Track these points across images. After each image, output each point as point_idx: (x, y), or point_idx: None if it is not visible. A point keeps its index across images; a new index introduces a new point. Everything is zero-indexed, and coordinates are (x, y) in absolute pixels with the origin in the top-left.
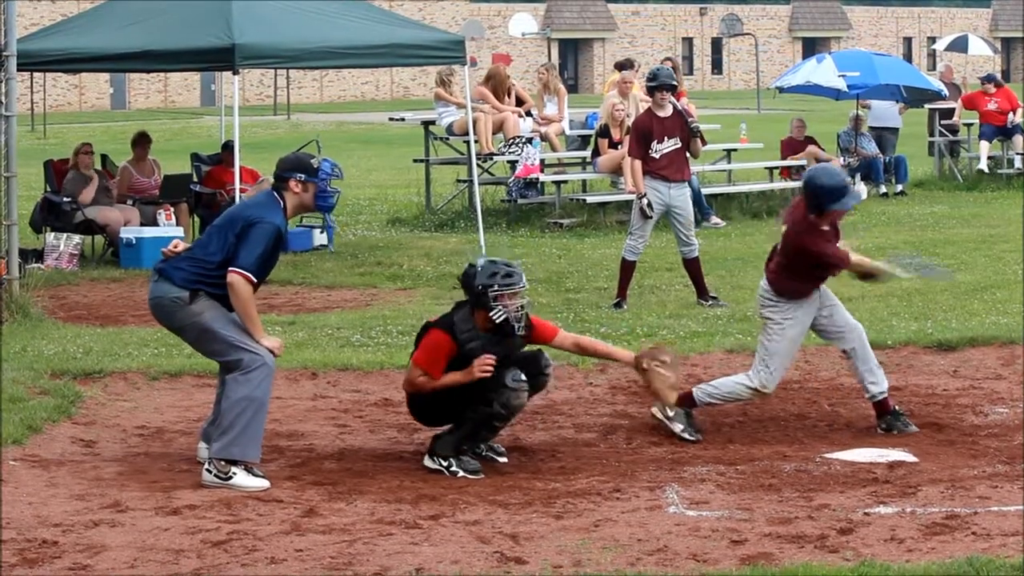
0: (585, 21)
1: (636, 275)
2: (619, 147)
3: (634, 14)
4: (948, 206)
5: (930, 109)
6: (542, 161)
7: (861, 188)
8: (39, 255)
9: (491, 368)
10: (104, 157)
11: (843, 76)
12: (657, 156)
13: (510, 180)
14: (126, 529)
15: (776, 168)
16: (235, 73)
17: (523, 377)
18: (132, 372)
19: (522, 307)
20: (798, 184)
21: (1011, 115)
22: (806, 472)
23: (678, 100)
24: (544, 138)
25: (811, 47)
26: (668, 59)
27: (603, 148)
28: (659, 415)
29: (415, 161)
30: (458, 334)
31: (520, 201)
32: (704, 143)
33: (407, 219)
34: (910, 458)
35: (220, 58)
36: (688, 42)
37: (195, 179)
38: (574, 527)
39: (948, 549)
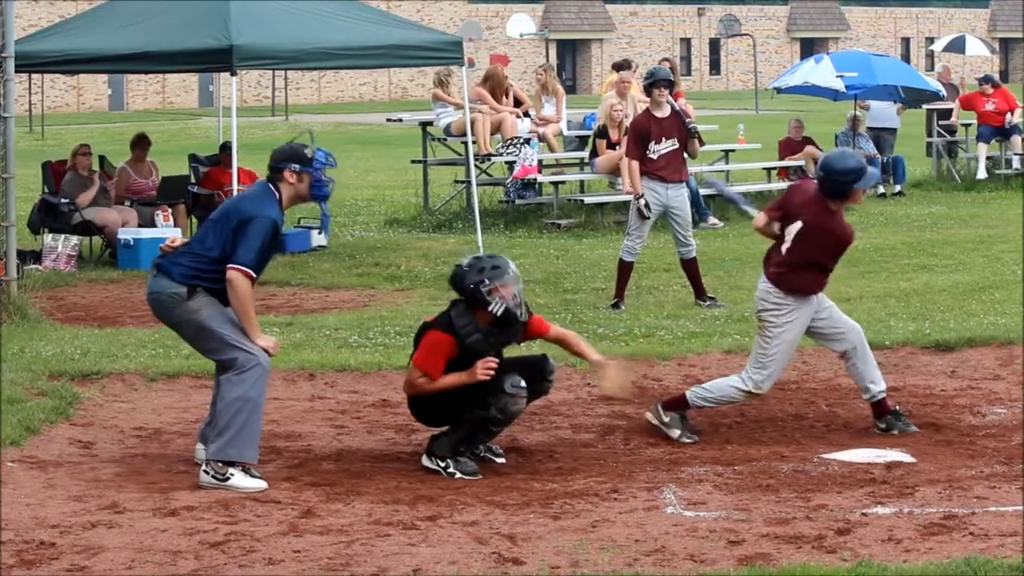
0: (583, 22)
1: (634, 276)
2: (617, 148)
3: (632, 15)
4: (946, 206)
5: (928, 109)
6: (540, 162)
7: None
8: (37, 256)
9: (493, 370)
10: (102, 158)
11: (841, 77)
12: (655, 157)
13: (508, 181)
14: (124, 530)
15: (774, 169)
16: (233, 74)
17: (522, 384)
18: (130, 373)
19: (517, 294)
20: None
21: (1009, 115)
22: (804, 472)
23: (675, 101)
24: (542, 139)
25: (809, 48)
26: (666, 59)
27: (601, 149)
28: (654, 421)
29: (413, 162)
30: (458, 330)
31: (518, 202)
32: (702, 144)
33: (405, 220)
34: (908, 458)
35: (218, 59)
36: (686, 42)
37: (193, 180)
38: (572, 528)
39: (946, 549)
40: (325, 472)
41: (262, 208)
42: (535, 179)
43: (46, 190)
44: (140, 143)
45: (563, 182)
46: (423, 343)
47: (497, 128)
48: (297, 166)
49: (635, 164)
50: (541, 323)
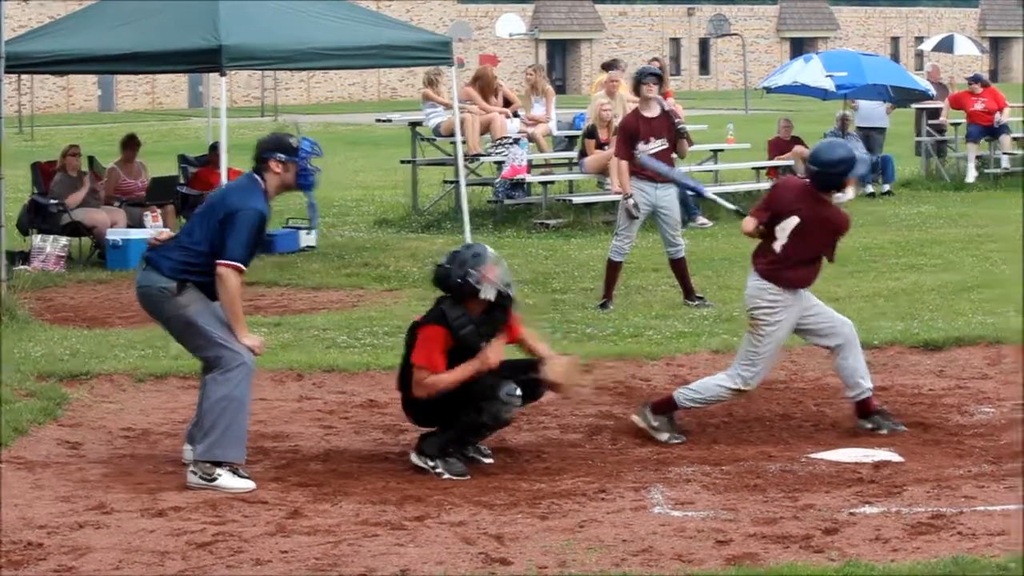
0: (573, 22)
1: (622, 276)
2: (606, 148)
3: (621, 15)
4: (935, 206)
5: (917, 109)
6: (529, 162)
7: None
8: (26, 257)
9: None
10: (91, 159)
11: (831, 76)
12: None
13: (497, 181)
14: (111, 531)
15: (763, 168)
16: (222, 75)
17: (518, 392)
18: (118, 374)
19: (502, 275)
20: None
21: (998, 115)
22: (791, 472)
23: (665, 100)
24: (531, 139)
25: (799, 47)
26: (655, 59)
27: (590, 149)
28: (641, 424)
29: (402, 162)
30: (451, 322)
31: (507, 202)
32: (691, 143)
33: (394, 220)
34: (895, 458)
35: (207, 59)
36: (675, 42)
37: (182, 181)
38: (559, 528)
39: (933, 549)
40: (313, 472)
41: (247, 200)
42: (524, 179)
43: (35, 191)
44: (130, 144)
45: (552, 182)
46: (419, 340)
47: (486, 128)
48: (283, 156)
49: (624, 164)
50: (517, 323)
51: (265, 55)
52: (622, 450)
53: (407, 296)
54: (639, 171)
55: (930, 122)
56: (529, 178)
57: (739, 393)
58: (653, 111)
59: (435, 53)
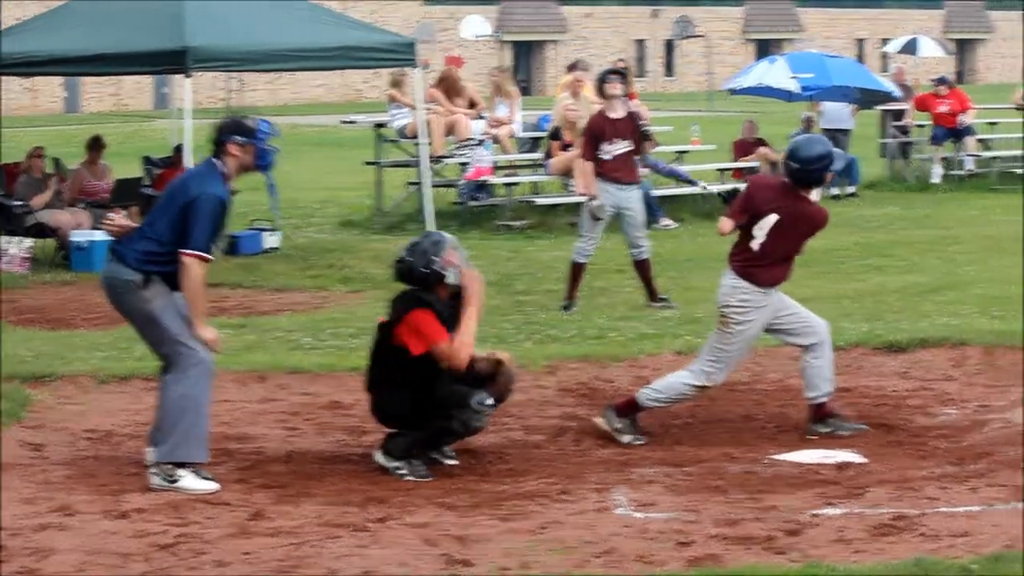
0: (537, 23)
1: (586, 277)
2: (570, 149)
3: (586, 16)
4: (900, 207)
5: (882, 111)
6: (493, 163)
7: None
8: None
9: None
10: (56, 160)
11: (796, 78)
12: (608, 158)
13: (461, 182)
14: (74, 533)
15: (728, 170)
16: (187, 76)
17: (489, 402)
18: (82, 376)
19: (462, 258)
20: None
21: (962, 116)
22: (754, 473)
23: (629, 101)
24: (495, 140)
25: (764, 49)
26: (620, 60)
27: (554, 150)
28: (604, 427)
29: (366, 164)
30: (433, 304)
31: (471, 203)
32: (655, 145)
33: (358, 221)
34: (858, 459)
35: (172, 61)
36: (640, 44)
37: (147, 182)
38: (522, 529)
39: (896, 550)
40: (276, 474)
41: (207, 186)
42: (488, 180)
43: (0, 192)
44: (95, 145)
45: (516, 184)
46: (417, 325)
47: (450, 129)
48: (241, 138)
49: (589, 165)
50: None
51: (230, 56)
52: (585, 452)
53: (371, 298)
54: (604, 172)
55: (895, 124)
56: (493, 179)
57: (702, 389)
58: (618, 112)
59: (400, 54)
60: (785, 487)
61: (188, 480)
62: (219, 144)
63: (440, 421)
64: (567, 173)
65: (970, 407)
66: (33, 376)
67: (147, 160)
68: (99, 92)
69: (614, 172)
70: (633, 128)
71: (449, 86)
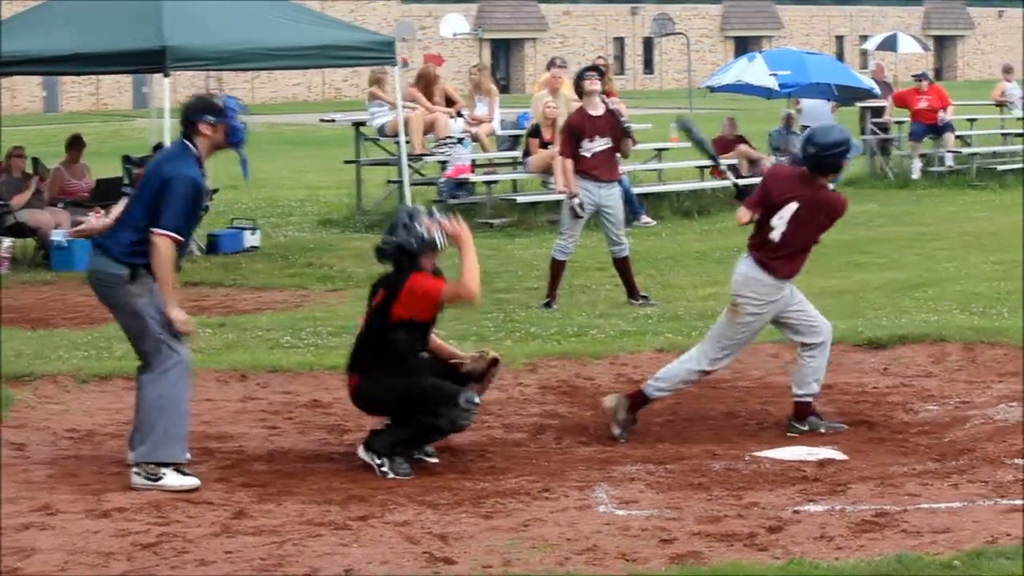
0: (517, 21)
1: (566, 275)
2: (550, 147)
3: (565, 14)
4: (879, 204)
5: (861, 107)
6: (473, 161)
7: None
8: None
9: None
10: (35, 160)
11: (774, 75)
12: (588, 155)
13: (441, 180)
14: (56, 532)
15: (707, 167)
16: (166, 75)
17: (476, 400)
18: (62, 375)
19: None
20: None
21: (942, 113)
22: (735, 470)
23: (609, 99)
24: (475, 138)
25: (743, 46)
26: (600, 57)
27: (533, 148)
28: (610, 407)
29: (346, 162)
30: (431, 272)
31: (451, 201)
32: (635, 143)
33: (338, 220)
34: (840, 456)
35: (151, 60)
36: (620, 42)
37: (126, 182)
38: (503, 527)
39: (877, 547)
40: (257, 473)
41: (180, 168)
42: (468, 179)
43: None
44: (75, 144)
45: (496, 181)
46: (421, 287)
47: (430, 128)
48: (212, 117)
49: (569, 162)
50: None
51: (209, 56)
52: (566, 449)
53: (351, 296)
54: (583, 170)
55: (874, 120)
56: (473, 178)
57: (704, 374)
58: (598, 109)
59: (379, 53)
60: (767, 484)
61: (170, 478)
62: (189, 125)
63: (427, 418)
64: (547, 171)
65: (951, 403)
66: (13, 376)
67: (127, 159)
68: (78, 91)
69: (594, 170)
70: (613, 125)
71: (427, 84)
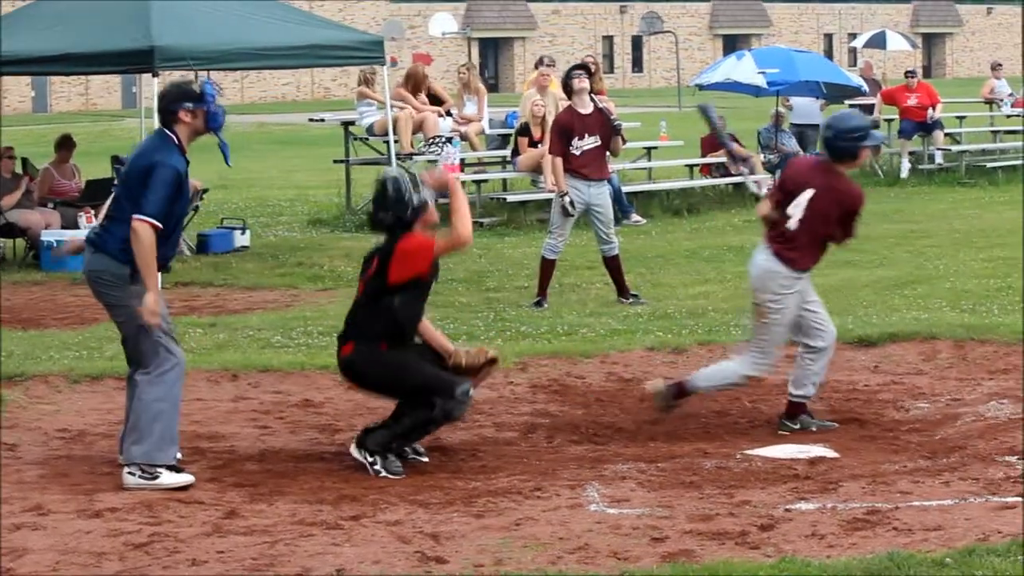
0: (505, 20)
1: (556, 273)
2: (539, 145)
3: (554, 13)
4: (869, 202)
5: (850, 105)
6: (462, 160)
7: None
8: None
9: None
10: (25, 160)
11: (763, 73)
12: (578, 153)
13: None
14: (48, 532)
15: (696, 165)
16: (155, 75)
17: (471, 392)
18: (54, 375)
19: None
20: (718, 181)
21: (931, 111)
22: (727, 469)
23: (598, 97)
24: (464, 137)
25: (732, 44)
26: (589, 56)
27: (522, 147)
28: (654, 390)
29: (335, 162)
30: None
31: (440, 201)
32: (624, 142)
33: (328, 220)
34: (831, 454)
35: (139, 60)
36: (608, 40)
37: (116, 182)
38: (495, 526)
39: (869, 544)
40: (249, 472)
41: (164, 156)
42: (457, 178)
43: None
44: (65, 144)
45: (485, 181)
46: (414, 246)
47: (419, 127)
48: (191, 104)
49: (559, 161)
50: None
51: (197, 56)
52: (557, 448)
53: (341, 296)
54: (573, 168)
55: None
56: (462, 177)
57: (752, 379)
58: (587, 108)
59: (367, 52)
60: (758, 482)
61: (166, 476)
62: (169, 114)
63: (422, 410)
64: (536, 169)
65: (942, 401)
66: (5, 376)
67: (116, 159)
68: (67, 92)
69: (583, 168)
70: (603, 123)
71: (416, 84)
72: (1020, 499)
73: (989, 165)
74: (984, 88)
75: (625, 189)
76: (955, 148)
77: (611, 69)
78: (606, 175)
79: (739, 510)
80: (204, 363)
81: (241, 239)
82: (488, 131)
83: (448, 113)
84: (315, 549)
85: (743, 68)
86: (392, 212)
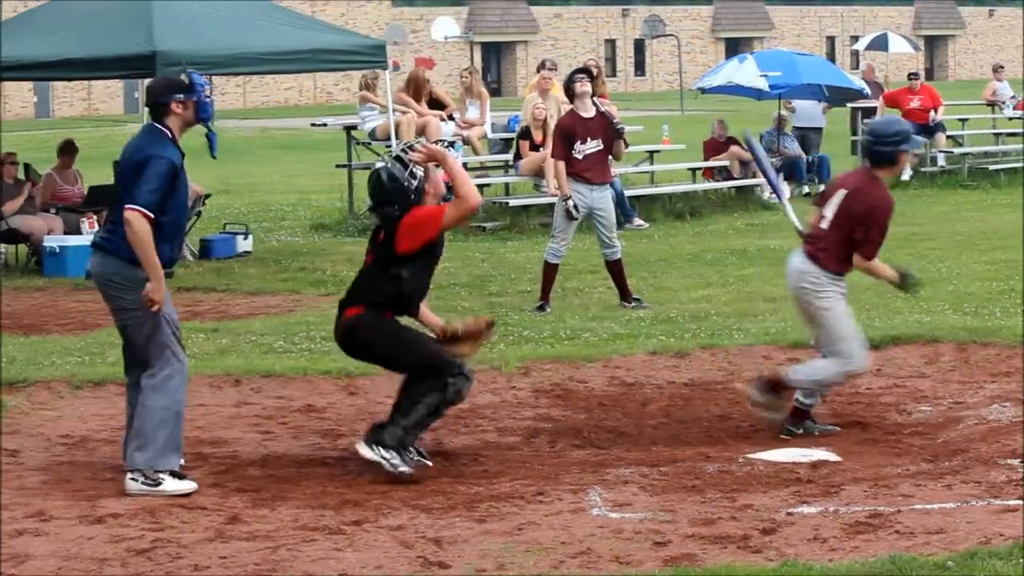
0: (507, 24)
1: (559, 278)
2: (540, 149)
3: (556, 16)
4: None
5: (852, 108)
6: (464, 164)
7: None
8: None
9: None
10: (27, 166)
11: (765, 76)
12: (580, 157)
13: None
14: (50, 538)
15: (699, 169)
16: None
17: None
18: (56, 381)
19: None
20: (721, 185)
21: (933, 113)
22: (729, 473)
23: (601, 101)
24: (466, 142)
25: (734, 47)
26: (591, 60)
27: (524, 150)
28: (751, 396)
29: (338, 166)
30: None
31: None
32: (627, 145)
33: (330, 224)
34: (833, 457)
35: (142, 65)
36: (611, 44)
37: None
38: (497, 531)
39: (871, 548)
40: (251, 478)
41: (159, 149)
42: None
43: None
44: (67, 150)
45: (488, 185)
46: (422, 214)
47: (421, 131)
48: (182, 95)
49: (561, 165)
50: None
51: (199, 61)
52: (560, 452)
53: None
54: (575, 172)
55: (865, 121)
56: None
57: (850, 375)
58: (589, 111)
59: (369, 57)
60: (760, 486)
61: (169, 483)
62: (161, 106)
63: (434, 393)
64: (538, 173)
65: (944, 404)
66: (7, 382)
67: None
68: (70, 97)
69: (586, 172)
70: (605, 126)
71: (417, 88)
72: (1022, 502)
73: (991, 167)
74: (986, 90)
75: (627, 193)
76: (957, 150)
77: (613, 73)
78: (609, 179)
79: (741, 514)
80: (207, 368)
81: (243, 244)
82: (490, 135)
83: (450, 117)
84: (317, 554)
85: (745, 71)
86: (397, 204)
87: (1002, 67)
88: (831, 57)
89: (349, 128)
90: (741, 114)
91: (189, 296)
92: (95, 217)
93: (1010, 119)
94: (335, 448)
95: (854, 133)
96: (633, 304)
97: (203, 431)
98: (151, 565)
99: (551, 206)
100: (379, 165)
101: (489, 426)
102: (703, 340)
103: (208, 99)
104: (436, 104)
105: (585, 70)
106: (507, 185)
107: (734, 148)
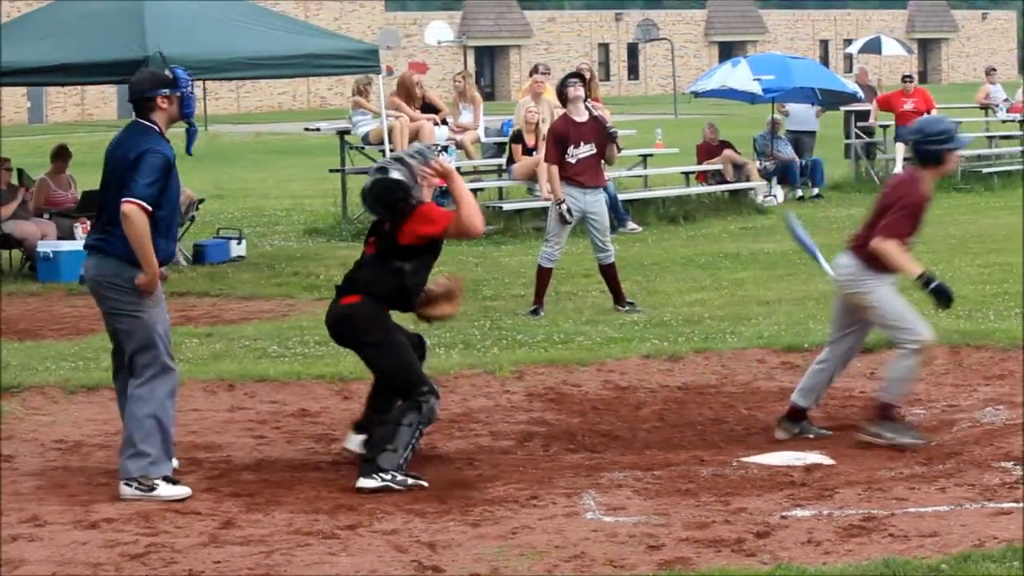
0: (501, 28)
1: (553, 282)
2: (533, 153)
3: (550, 20)
4: (865, 208)
5: (846, 111)
6: (458, 169)
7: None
8: None
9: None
10: (20, 171)
11: (758, 80)
12: (574, 161)
13: None
14: (44, 543)
15: (692, 173)
16: None
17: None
18: (50, 386)
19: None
20: (714, 189)
21: (926, 115)
22: (723, 476)
23: (593, 105)
24: (459, 146)
25: (727, 51)
26: (584, 63)
27: (517, 154)
28: (877, 440)
29: (331, 171)
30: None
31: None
32: (619, 149)
33: (324, 229)
34: (827, 460)
35: (135, 70)
36: (604, 48)
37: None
38: (491, 535)
39: (865, 551)
40: (245, 482)
41: (151, 144)
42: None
43: None
44: (61, 155)
45: (481, 189)
46: (429, 213)
47: (414, 136)
48: (167, 90)
49: (555, 169)
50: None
51: (193, 65)
52: (554, 456)
53: None
54: (569, 176)
55: (859, 124)
56: None
57: (921, 351)
58: (582, 116)
59: (363, 61)
60: (755, 489)
61: (164, 488)
62: (147, 102)
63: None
64: (531, 177)
65: (938, 407)
66: (1, 387)
67: None
68: (64, 102)
69: (579, 176)
70: (598, 131)
71: (407, 92)
72: (1016, 505)
73: (985, 170)
74: (979, 93)
75: (621, 197)
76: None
77: (607, 77)
78: (602, 183)
79: (735, 517)
80: (200, 373)
81: (237, 249)
82: (484, 139)
83: (444, 121)
84: (312, 559)
85: (738, 75)
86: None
87: (995, 70)
88: (824, 61)
89: (343, 133)
90: (735, 118)
91: (183, 301)
92: (88, 222)
93: (1003, 122)
94: (329, 452)
95: (847, 136)
96: (627, 308)
97: (197, 436)
98: (145, 570)
99: (544, 210)
100: (377, 176)
101: (483, 430)
102: (697, 344)
103: (191, 94)
104: (429, 108)
105: (578, 74)
106: (500, 189)
107: (728, 152)
